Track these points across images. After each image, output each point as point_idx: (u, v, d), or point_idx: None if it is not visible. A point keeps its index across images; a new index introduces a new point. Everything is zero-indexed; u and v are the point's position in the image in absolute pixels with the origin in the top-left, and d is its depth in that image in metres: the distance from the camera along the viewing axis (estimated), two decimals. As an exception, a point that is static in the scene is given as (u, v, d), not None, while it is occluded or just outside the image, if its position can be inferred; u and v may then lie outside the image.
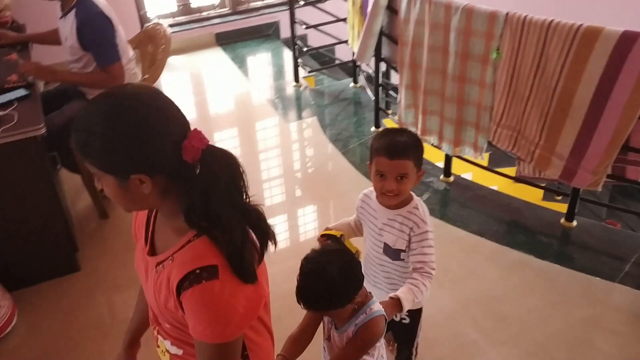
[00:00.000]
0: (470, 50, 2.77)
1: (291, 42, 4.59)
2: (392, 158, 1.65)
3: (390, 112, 4.03)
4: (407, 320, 1.98)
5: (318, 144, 4.02)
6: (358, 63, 4.45)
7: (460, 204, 3.28)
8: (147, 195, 1.10)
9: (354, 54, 4.15)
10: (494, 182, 3.42)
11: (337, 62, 5.43)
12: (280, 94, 4.69)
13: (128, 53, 2.98)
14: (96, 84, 2.93)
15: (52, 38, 3.17)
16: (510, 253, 2.90)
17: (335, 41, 4.72)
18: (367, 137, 3.98)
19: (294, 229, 3.25)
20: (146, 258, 1.23)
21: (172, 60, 3.21)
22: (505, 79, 2.69)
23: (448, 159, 3.42)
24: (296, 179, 3.71)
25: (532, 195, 3.36)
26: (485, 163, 3.38)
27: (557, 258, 2.83)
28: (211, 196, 1.06)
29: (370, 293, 1.60)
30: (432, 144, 3.30)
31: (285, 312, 2.65)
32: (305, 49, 4.70)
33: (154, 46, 3.30)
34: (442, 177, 3.48)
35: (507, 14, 2.58)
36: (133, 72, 3.03)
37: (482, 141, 2.99)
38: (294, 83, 4.76)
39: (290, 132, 4.24)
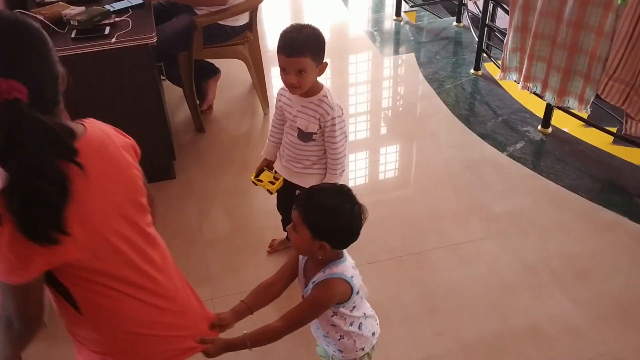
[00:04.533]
0: (593, -6, 2.60)
1: (397, -26, 4.45)
2: (289, 56, 1.87)
3: (491, 55, 3.87)
4: None
5: (412, 81, 3.95)
6: (465, 1, 4.28)
7: (556, 157, 3.17)
8: None
9: (462, -10, 3.99)
10: (592, 140, 3.26)
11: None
12: (379, 26, 4.61)
13: (236, -28, 3.01)
14: (203, 1, 3.00)
15: None
16: (603, 212, 2.79)
17: (442, -24, 4.53)
18: (465, 79, 3.87)
19: (374, 166, 3.25)
20: None
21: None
22: (627, 28, 2.51)
23: (548, 109, 3.28)
24: (384, 116, 3.69)
25: (634, 158, 3.17)
26: (586, 118, 3.21)
27: (654, 223, 2.71)
28: None
29: (342, 255, 1.53)
30: (533, 92, 3.17)
31: (368, 239, 2.73)
32: (410, -18, 4.56)
33: (261, -34, 3.30)
34: (539, 127, 3.35)
35: (641, -44, 2.38)
36: (239, -9, 3.06)
37: (589, 93, 2.84)
38: (395, 17, 4.65)
39: (384, 67, 4.19)
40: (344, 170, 2.17)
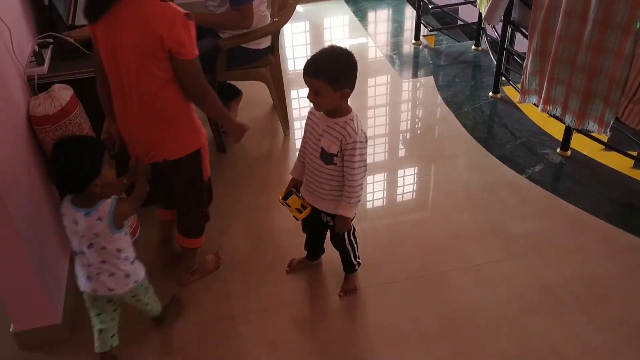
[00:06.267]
0: (612, 18, 2.62)
1: (416, -1, 4.52)
2: (305, 75, 1.95)
3: (510, 78, 3.90)
4: (332, 223, 2.28)
5: (431, 104, 3.99)
6: (484, 25, 4.32)
7: (575, 180, 3.16)
8: None
9: (480, 15, 4.04)
10: (612, 163, 3.26)
11: (459, 23, 5.28)
12: (398, 50, 4.67)
13: (261, -5, 3.10)
14: (228, 23, 3.08)
15: None
16: (623, 235, 2.78)
17: (461, 1, 4.59)
18: (483, 102, 3.89)
19: (393, 188, 3.27)
20: None
21: (297, 7, 3.29)
22: (646, 52, 2.53)
23: (568, 132, 3.29)
24: (403, 138, 3.72)
25: (655, 181, 3.17)
26: (605, 141, 3.21)
27: (675, 247, 2.69)
28: None
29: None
30: (553, 115, 3.19)
31: (386, 259, 2.75)
32: (430, 7, 4.62)
33: (285, -9, 3.39)
34: (559, 150, 3.36)
35: (659, -19, 2.41)
36: (264, 14, 3.14)
37: (609, 116, 2.85)
38: (414, 41, 4.71)
39: (403, 90, 4.23)
40: (359, 202, 2.16)
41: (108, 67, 2.03)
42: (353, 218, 2.26)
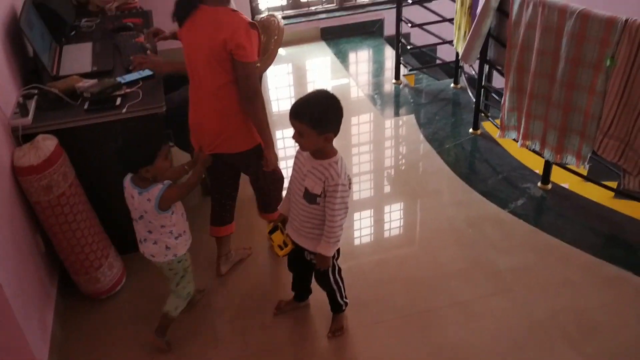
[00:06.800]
0: (582, 56, 2.71)
1: (395, 40, 4.64)
2: (290, 117, 2.03)
3: (489, 115, 3.99)
4: (315, 261, 2.28)
5: (413, 141, 4.05)
6: (461, 64, 4.43)
7: (557, 213, 3.21)
8: None
9: (458, 54, 4.15)
10: (592, 195, 3.32)
11: (438, 62, 5.41)
12: (379, 90, 4.76)
13: (243, 42, 3.15)
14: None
15: None
16: (607, 267, 2.81)
17: (438, 41, 4.71)
18: (464, 139, 3.96)
19: (379, 225, 3.29)
20: None
21: (279, 51, 3.38)
22: (618, 88, 2.61)
23: (547, 166, 3.35)
24: (387, 175, 3.76)
25: (635, 211, 3.22)
26: (585, 174, 3.28)
27: (658, 277, 2.72)
28: None
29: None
30: (533, 150, 3.25)
31: (374, 298, 2.75)
32: (409, 47, 4.73)
33: (267, 36, 3.44)
34: (539, 184, 3.42)
35: (626, 20, 2.51)
36: (246, 59, 3.19)
37: (586, 150, 2.92)
38: (394, 80, 4.81)
39: (386, 128, 4.30)
40: (338, 241, 2.18)
41: (188, 64, 2.41)
42: (335, 257, 2.28)
